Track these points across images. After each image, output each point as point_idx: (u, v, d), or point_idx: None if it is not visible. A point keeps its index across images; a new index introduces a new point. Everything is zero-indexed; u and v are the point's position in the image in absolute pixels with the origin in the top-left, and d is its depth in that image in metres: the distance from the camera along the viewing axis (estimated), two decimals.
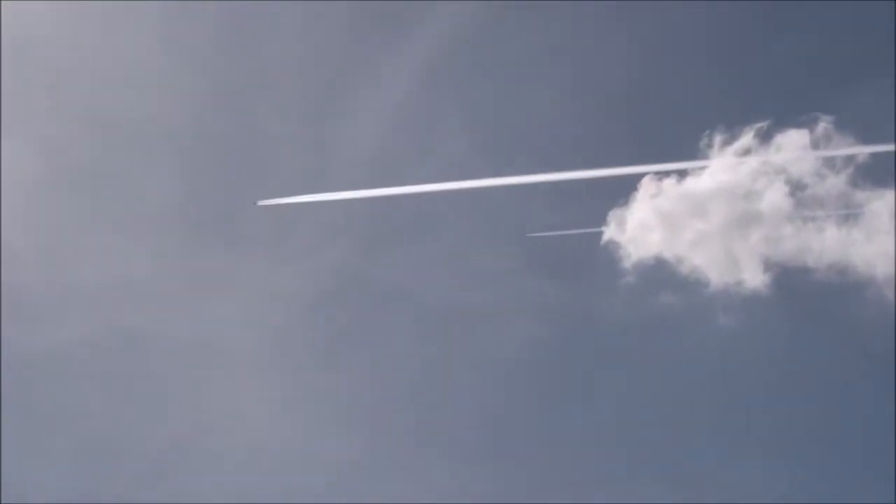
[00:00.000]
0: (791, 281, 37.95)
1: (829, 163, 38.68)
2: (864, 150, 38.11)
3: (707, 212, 39.83)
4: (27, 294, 41.35)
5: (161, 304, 41.64)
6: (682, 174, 40.08)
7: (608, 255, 40.37)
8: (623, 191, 40.46)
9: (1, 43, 42.29)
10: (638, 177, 40.22)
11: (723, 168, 40.06)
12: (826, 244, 37.64)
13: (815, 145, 38.97)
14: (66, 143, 44.40)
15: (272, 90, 44.71)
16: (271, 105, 45.13)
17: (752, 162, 39.58)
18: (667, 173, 40.20)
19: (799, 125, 39.35)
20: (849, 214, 37.62)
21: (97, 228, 43.57)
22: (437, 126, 44.54)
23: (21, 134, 43.42)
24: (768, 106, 40.57)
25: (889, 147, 37.18)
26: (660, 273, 39.62)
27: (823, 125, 39.10)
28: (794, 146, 39.18)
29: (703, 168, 39.99)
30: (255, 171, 44.34)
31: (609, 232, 40.71)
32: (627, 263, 40.31)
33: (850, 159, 38.26)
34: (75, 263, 42.66)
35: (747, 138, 39.93)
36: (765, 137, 39.71)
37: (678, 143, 41.19)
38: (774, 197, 39.25)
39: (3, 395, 37.78)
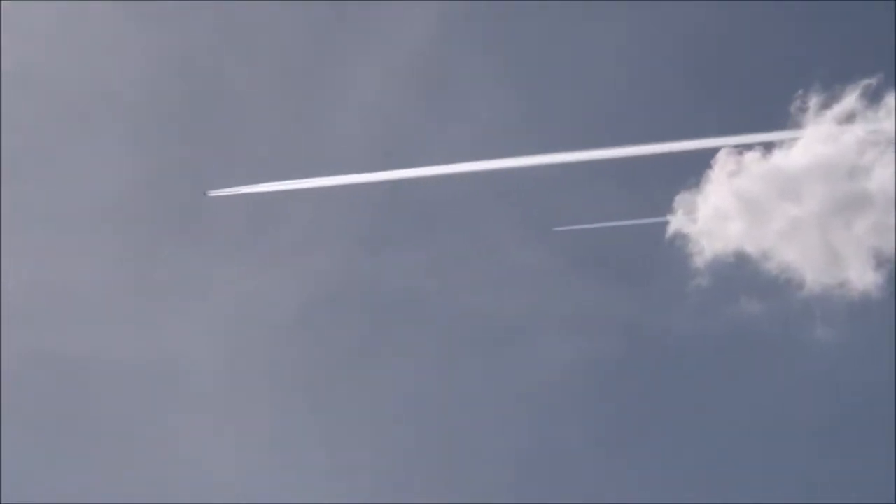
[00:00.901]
0: None
1: None
2: None
3: (800, 194, 37.57)
4: None
5: (106, 321, 39.25)
6: (767, 147, 38.12)
7: (675, 252, 38.45)
8: (693, 170, 38.47)
9: None
10: (711, 151, 38.46)
11: (820, 138, 37.78)
12: None
13: None
14: None
15: (248, 51, 42.70)
16: (249, 69, 42.79)
17: (857, 130, 37.37)
18: (748, 146, 38.31)
19: None
20: None
21: (24, 226, 40.64)
22: (456, 90, 42.15)
23: None
24: (878, 58, 37.80)
25: None
26: (740, 273, 37.33)
27: None
28: None
29: (794, 139, 37.86)
30: (228, 152, 41.80)
31: (676, 222, 38.74)
32: (699, 261, 38.11)
33: None
34: None
35: (850, 100, 37.61)
36: (873, 98, 37.38)
37: (762, 107, 39.36)
38: (885, 174, 36.81)
39: None
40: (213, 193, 38.24)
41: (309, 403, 38.30)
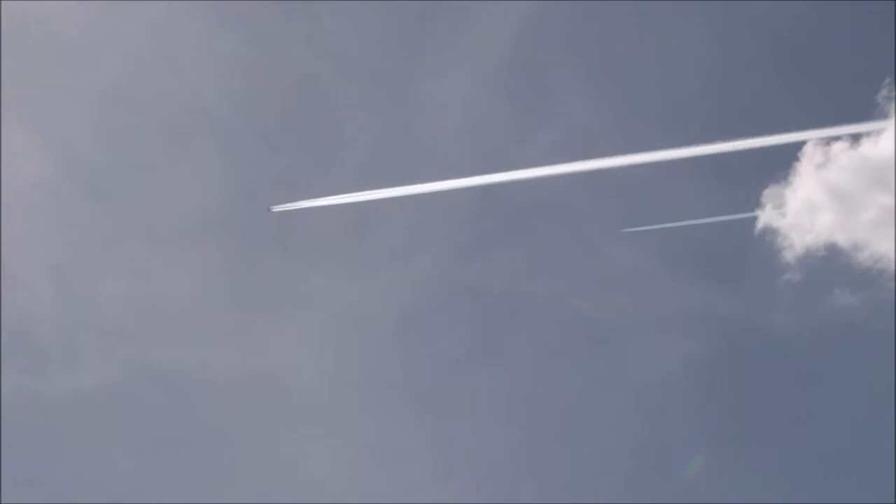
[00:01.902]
0: None
1: None
2: None
3: (890, 183, 36.64)
4: (35, 329, 38.19)
5: (209, 335, 38.56)
6: (855, 137, 37.38)
7: (765, 247, 37.86)
8: (781, 163, 37.89)
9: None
10: (798, 144, 37.85)
11: None
12: None
13: None
14: (77, 139, 40.74)
15: (338, 59, 41.47)
16: (338, 80, 41.69)
17: None
18: (836, 137, 37.57)
19: None
20: None
21: (119, 244, 40.06)
22: (545, 92, 41.18)
23: (22, 129, 39.94)
24: None
25: None
26: (832, 265, 36.96)
27: None
28: None
29: (882, 129, 36.73)
30: (320, 162, 40.80)
31: (765, 216, 38.16)
32: (790, 255, 37.76)
33: None
34: (93, 289, 39.18)
35: None
36: None
37: (849, 98, 38.49)
38: None
39: (6, 455, 35.30)
40: (278, 209, 37.39)
41: (415, 410, 37.66)
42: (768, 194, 37.95)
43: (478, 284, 39.14)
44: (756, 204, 37.92)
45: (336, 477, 35.98)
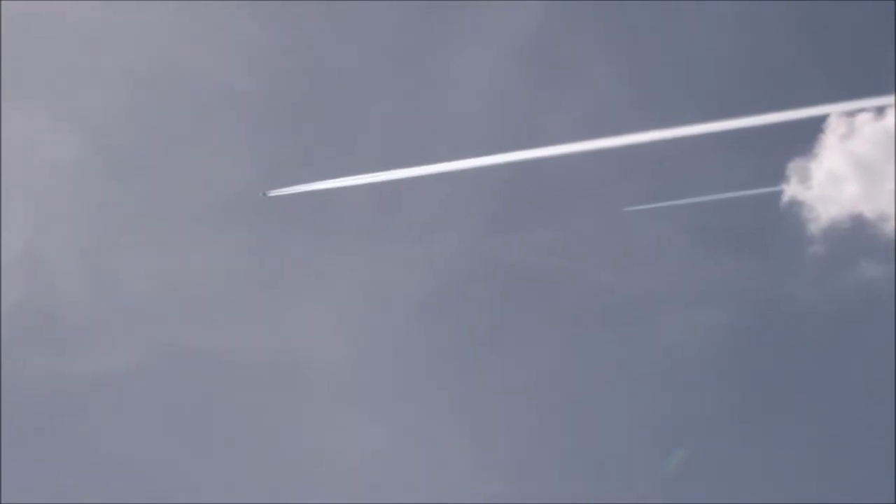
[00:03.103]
0: None
1: None
2: None
3: None
4: (65, 310, 37.69)
5: (231, 316, 37.82)
6: (880, 110, 37.12)
7: (791, 220, 37.64)
8: (805, 136, 37.55)
9: None
10: (822, 118, 37.59)
11: None
12: None
13: None
14: (104, 120, 40.12)
15: (361, 38, 40.99)
16: (360, 57, 40.92)
17: None
18: (860, 110, 37.18)
19: None
20: None
21: (148, 224, 39.34)
22: (568, 68, 40.58)
23: (51, 109, 39.52)
24: None
25: None
26: (858, 237, 36.78)
27: None
28: None
29: None
30: (342, 140, 40.21)
31: (791, 190, 37.91)
32: (815, 228, 37.40)
33: None
34: (123, 270, 38.52)
35: None
36: None
37: (873, 70, 37.62)
38: None
39: (37, 436, 35.44)
40: (273, 193, 36.41)
41: (443, 389, 36.99)
42: (793, 168, 37.76)
43: (504, 260, 38.54)
44: (781, 177, 37.70)
45: (363, 456, 35.43)
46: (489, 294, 38.45)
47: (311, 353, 37.43)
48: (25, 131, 38.77)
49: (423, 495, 34.60)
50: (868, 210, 36.71)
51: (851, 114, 37.10)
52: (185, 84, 40.29)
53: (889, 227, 36.12)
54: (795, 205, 37.51)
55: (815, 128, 37.51)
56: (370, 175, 36.15)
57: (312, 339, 37.57)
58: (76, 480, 34.73)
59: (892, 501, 32.08)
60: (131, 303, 38.06)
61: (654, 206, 38.26)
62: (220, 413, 36.57)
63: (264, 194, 36.45)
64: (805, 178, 37.65)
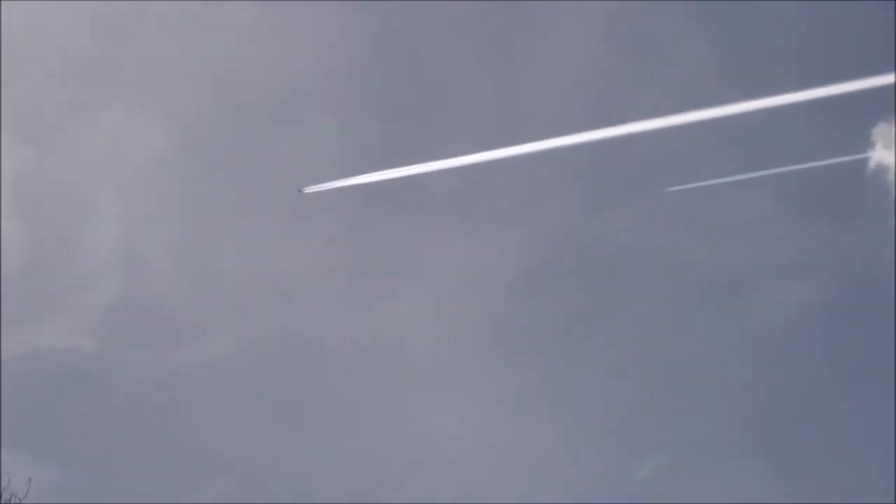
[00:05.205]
0: None
1: None
2: None
3: None
4: (165, 305, 37.62)
5: (331, 303, 37.86)
6: None
7: (879, 185, 36.55)
8: (885, 103, 35.32)
9: None
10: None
11: None
12: None
13: None
14: (194, 116, 39.74)
15: (442, 26, 40.32)
16: (443, 45, 40.52)
17: None
18: None
19: None
20: None
21: (241, 214, 39.12)
22: (652, 44, 40.17)
23: (139, 108, 39.19)
24: None
25: None
26: None
27: None
28: None
29: None
30: (430, 125, 39.79)
31: (877, 155, 36.83)
32: None
33: None
34: (218, 262, 38.34)
35: None
36: None
37: None
38: None
39: (140, 427, 35.37)
40: (310, 190, 35.17)
41: (539, 368, 36.82)
42: (877, 133, 36.69)
43: (596, 240, 38.30)
44: (867, 144, 36.77)
45: (464, 435, 35.43)
46: (583, 273, 38.23)
47: (407, 336, 37.28)
48: (119, 129, 38.82)
49: (519, 462, 34.86)
50: None
51: None
52: (272, 76, 40.19)
53: None
54: (882, 170, 36.55)
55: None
56: (442, 161, 35.08)
57: (408, 322, 37.43)
58: (179, 474, 34.95)
59: None
60: (230, 294, 37.99)
61: (739, 177, 37.40)
62: (320, 398, 36.64)
63: (300, 191, 35.46)
64: (890, 143, 36.51)
